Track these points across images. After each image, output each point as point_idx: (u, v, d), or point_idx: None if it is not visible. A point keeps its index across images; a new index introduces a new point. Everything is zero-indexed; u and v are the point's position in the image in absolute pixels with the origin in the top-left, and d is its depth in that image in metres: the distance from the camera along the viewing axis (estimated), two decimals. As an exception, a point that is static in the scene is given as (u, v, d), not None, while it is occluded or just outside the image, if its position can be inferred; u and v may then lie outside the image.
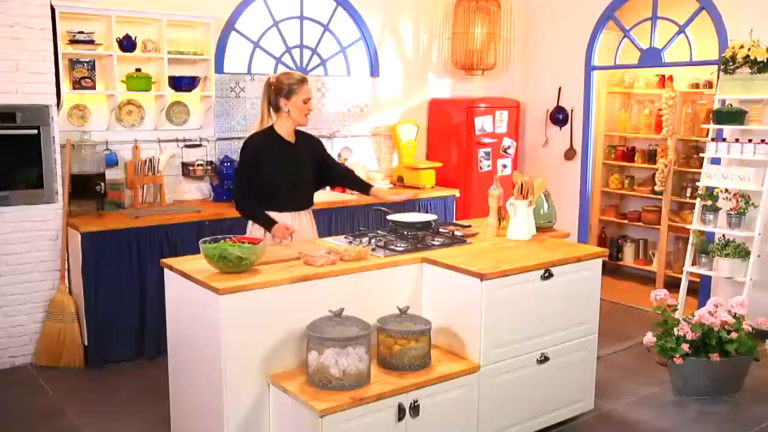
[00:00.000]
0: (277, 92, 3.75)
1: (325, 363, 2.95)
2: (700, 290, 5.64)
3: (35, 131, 4.49)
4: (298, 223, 3.86)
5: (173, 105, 5.20)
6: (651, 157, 6.58)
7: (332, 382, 2.95)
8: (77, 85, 4.76)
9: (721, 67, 5.20)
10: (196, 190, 5.40)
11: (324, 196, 5.29)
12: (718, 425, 3.87)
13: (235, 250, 3.07)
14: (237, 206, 3.89)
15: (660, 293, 4.26)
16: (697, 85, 6.31)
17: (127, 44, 4.84)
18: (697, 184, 5.37)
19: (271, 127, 3.83)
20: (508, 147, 6.54)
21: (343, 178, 4.20)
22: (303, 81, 3.76)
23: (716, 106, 5.23)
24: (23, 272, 4.52)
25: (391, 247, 3.62)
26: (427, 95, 6.61)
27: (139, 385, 4.30)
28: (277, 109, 3.79)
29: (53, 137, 4.54)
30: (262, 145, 3.78)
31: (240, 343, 3.00)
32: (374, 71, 6.25)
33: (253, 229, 3.86)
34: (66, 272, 4.63)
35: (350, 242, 3.75)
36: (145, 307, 4.63)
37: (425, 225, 3.91)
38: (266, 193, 3.79)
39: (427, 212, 5.71)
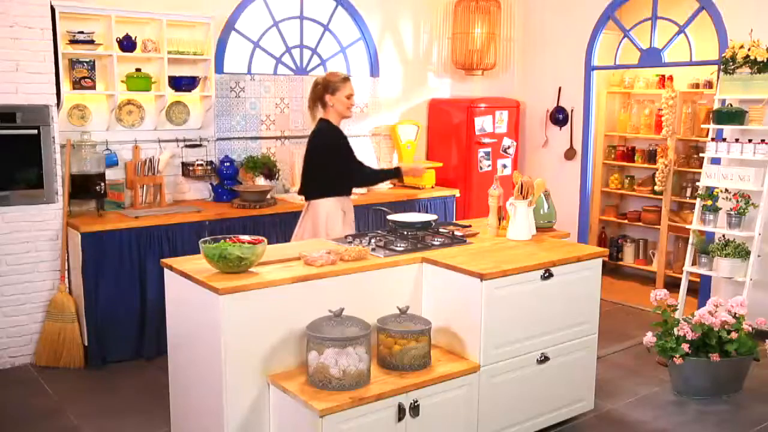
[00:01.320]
0: (324, 88, 4.22)
1: (325, 363, 2.95)
2: (700, 290, 5.64)
3: (35, 131, 4.49)
4: (348, 205, 4.35)
5: (173, 105, 5.20)
6: (651, 157, 6.58)
7: (332, 382, 2.95)
8: (77, 85, 4.76)
9: (721, 67, 5.20)
10: (196, 190, 5.39)
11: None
12: (717, 425, 3.87)
13: (235, 250, 3.07)
14: (351, 182, 4.38)
15: (660, 293, 4.26)
16: (697, 85, 6.31)
17: (127, 44, 4.84)
18: (697, 184, 5.37)
19: (328, 119, 4.28)
20: (508, 147, 6.54)
21: None
22: (346, 79, 4.24)
23: (716, 106, 5.23)
24: (23, 272, 4.52)
25: (391, 247, 3.62)
26: (427, 95, 6.61)
27: (139, 385, 4.30)
28: (324, 105, 4.25)
29: (53, 137, 4.54)
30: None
31: (240, 343, 3.00)
32: (374, 71, 6.25)
33: (307, 215, 4.27)
34: (66, 272, 4.63)
35: (350, 242, 3.75)
36: (145, 307, 4.63)
37: (425, 225, 3.91)
38: (334, 177, 4.21)
39: (427, 212, 5.71)
